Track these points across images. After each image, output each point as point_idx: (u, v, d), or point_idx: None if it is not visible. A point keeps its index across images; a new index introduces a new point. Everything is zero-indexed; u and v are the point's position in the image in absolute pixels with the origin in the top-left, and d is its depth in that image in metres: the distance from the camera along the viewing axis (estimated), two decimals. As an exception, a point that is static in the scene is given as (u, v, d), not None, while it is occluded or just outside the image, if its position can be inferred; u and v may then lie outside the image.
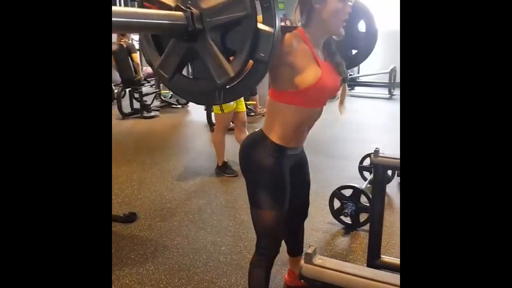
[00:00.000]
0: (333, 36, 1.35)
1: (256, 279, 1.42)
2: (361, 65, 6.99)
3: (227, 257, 2.09)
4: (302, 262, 1.02)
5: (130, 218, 2.54)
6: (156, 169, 3.50)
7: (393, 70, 6.32)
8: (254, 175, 1.34)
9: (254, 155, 1.32)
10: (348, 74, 1.55)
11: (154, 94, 5.91)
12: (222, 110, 3.02)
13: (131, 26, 0.74)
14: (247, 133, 3.26)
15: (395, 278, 0.91)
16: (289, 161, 1.37)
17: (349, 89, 1.58)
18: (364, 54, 1.63)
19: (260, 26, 0.80)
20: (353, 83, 7.26)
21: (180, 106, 6.11)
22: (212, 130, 4.70)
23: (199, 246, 2.21)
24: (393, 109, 5.65)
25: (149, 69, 5.65)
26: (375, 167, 1.77)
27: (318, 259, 1.02)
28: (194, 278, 1.93)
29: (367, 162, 3.01)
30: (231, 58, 0.84)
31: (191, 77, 0.91)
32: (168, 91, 5.92)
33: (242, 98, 3.17)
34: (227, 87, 0.87)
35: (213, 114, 3.54)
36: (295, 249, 1.73)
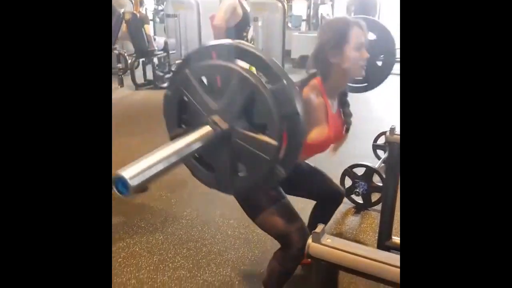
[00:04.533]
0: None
1: (275, 275, 1.35)
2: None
3: (235, 231, 2.09)
4: (309, 241, 1.00)
5: (142, 187, 2.56)
6: (168, 141, 3.50)
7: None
8: None
9: None
10: None
11: (167, 65, 5.86)
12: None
13: (175, 164, 0.73)
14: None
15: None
16: None
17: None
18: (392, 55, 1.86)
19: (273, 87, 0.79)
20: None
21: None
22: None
23: (208, 218, 2.22)
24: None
25: (161, 41, 5.57)
26: (390, 146, 1.72)
27: (327, 239, 1.00)
28: (202, 249, 1.94)
29: (381, 140, 2.94)
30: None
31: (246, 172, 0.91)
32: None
33: (254, 70, 3.10)
34: (280, 157, 0.87)
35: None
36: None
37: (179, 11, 5.63)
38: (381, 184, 2.23)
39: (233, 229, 2.11)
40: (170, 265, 1.84)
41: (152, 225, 2.16)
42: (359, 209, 2.32)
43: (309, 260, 1.04)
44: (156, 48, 5.42)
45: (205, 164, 0.90)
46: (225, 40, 0.81)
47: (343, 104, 1.39)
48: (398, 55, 1.71)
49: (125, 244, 1.99)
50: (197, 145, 0.76)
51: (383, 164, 2.63)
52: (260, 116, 0.80)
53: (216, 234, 2.07)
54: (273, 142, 0.79)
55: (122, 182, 0.61)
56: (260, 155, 0.81)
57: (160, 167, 0.67)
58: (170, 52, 5.66)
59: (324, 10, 6.22)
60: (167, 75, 5.71)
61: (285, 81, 0.76)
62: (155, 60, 5.52)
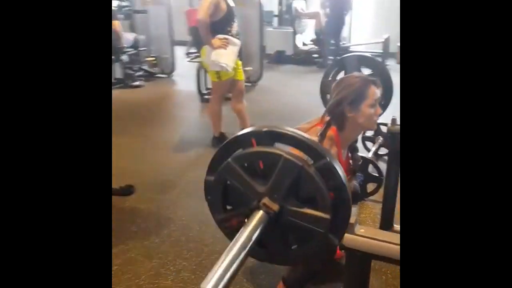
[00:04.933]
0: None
1: (297, 272, 1.35)
2: (353, 34, 6.83)
3: (234, 229, 2.03)
4: (343, 232, 0.98)
5: (128, 190, 2.44)
6: (148, 141, 3.37)
7: (386, 40, 6.19)
8: None
9: None
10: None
11: (138, 63, 5.66)
12: (219, 77, 2.88)
13: (245, 259, 0.73)
14: (245, 103, 3.15)
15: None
16: None
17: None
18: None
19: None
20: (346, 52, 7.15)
21: (165, 75, 5.88)
22: (203, 100, 4.54)
23: (204, 218, 2.14)
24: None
25: (130, 37, 5.36)
26: (393, 136, 1.73)
27: (360, 229, 0.98)
28: (204, 250, 1.87)
29: (369, 132, 2.97)
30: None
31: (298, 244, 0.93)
32: (152, 59, 5.64)
33: (241, 66, 3.04)
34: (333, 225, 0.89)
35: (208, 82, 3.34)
36: None
37: (148, 7, 5.45)
38: (376, 175, 2.24)
39: (231, 227, 2.05)
40: (172, 268, 1.75)
41: (145, 229, 2.05)
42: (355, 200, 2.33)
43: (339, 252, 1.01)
44: (125, 45, 5.21)
45: (255, 241, 0.91)
46: (263, 126, 0.84)
47: (353, 149, 1.48)
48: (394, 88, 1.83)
49: (118, 250, 1.88)
50: (257, 233, 0.79)
51: (373, 156, 2.66)
52: (307, 192, 0.83)
53: (216, 233, 1.99)
54: (325, 215, 0.82)
55: None
56: (313, 229, 0.85)
57: (234, 267, 0.70)
58: (140, 49, 5.47)
59: (298, 5, 6.24)
60: (138, 73, 5.51)
61: (328, 158, 0.80)
62: (125, 57, 5.30)
